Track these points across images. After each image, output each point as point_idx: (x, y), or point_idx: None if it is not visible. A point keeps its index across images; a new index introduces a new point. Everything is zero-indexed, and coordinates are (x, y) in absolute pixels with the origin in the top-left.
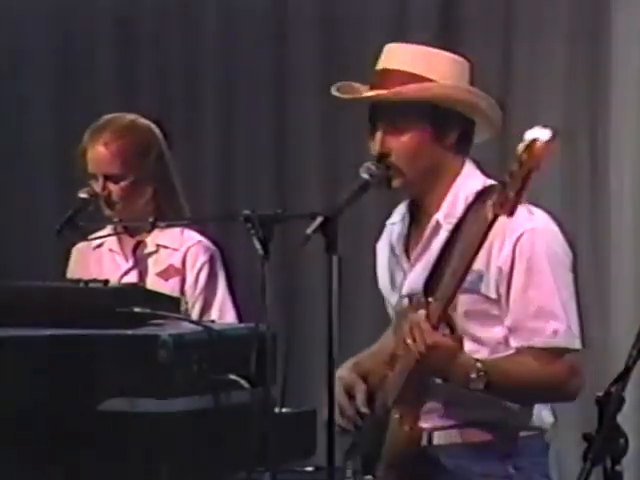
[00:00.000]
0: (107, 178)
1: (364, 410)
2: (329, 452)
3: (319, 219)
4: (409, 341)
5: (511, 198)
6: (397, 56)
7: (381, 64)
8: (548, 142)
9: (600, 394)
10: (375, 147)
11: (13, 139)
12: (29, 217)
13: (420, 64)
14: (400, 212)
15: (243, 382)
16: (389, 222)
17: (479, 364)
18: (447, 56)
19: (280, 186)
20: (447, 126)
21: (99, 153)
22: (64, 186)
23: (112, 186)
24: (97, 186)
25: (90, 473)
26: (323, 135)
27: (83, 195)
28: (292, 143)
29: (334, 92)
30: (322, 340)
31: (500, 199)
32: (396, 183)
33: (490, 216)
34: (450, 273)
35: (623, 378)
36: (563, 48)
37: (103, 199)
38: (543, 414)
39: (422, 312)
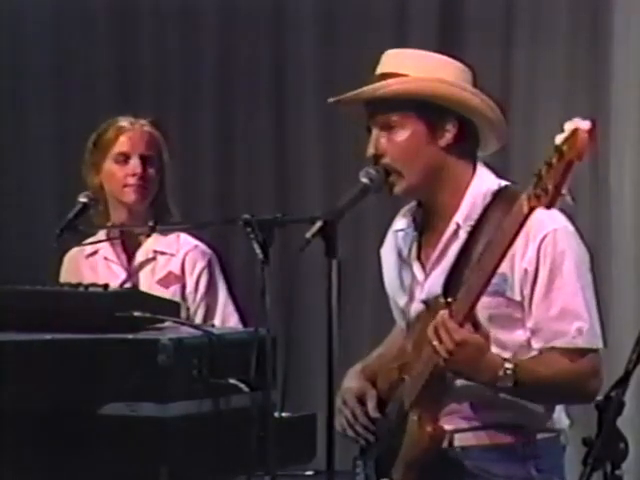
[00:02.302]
0: (143, 159)
1: (375, 415)
2: (329, 456)
3: (319, 223)
4: (435, 342)
5: (550, 190)
6: (393, 60)
7: (378, 69)
8: (590, 131)
9: (600, 398)
10: (369, 149)
11: (12, 140)
12: (28, 220)
13: (413, 66)
14: (405, 218)
15: (243, 386)
16: (394, 229)
17: (507, 363)
18: (441, 58)
19: (280, 190)
20: (440, 123)
21: (139, 133)
22: (64, 188)
23: (149, 169)
24: (130, 167)
25: (90, 477)
26: (323, 138)
27: (83, 199)
28: (292, 146)
29: (330, 100)
30: (322, 344)
31: (536, 191)
32: (399, 189)
33: (526, 209)
34: (478, 269)
35: (623, 382)
36: (563, 48)
37: (140, 179)
38: (561, 416)
39: (445, 312)
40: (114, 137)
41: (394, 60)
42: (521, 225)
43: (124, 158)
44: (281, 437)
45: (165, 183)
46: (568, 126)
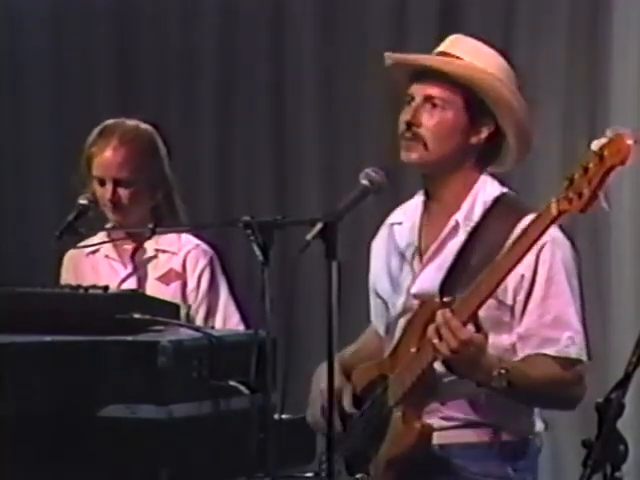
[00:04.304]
0: (116, 183)
1: (351, 410)
2: (328, 458)
3: (319, 225)
4: (435, 341)
5: (586, 194)
6: (458, 44)
7: (441, 48)
8: (633, 137)
9: (600, 400)
10: (406, 115)
11: (11, 140)
12: (28, 221)
13: (477, 57)
14: (402, 211)
15: (243, 388)
16: (390, 222)
17: (502, 363)
18: (503, 62)
19: (279, 190)
20: (480, 121)
21: (109, 158)
22: (63, 190)
23: (122, 191)
24: (105, 191)
25: (90, 479)
26: (322, 139)
27: (83, 201)
28: (291, 147)
29: (386, 55)
30: (322, 346)
31: (568, 195)
32: (415, 156)
33: (554, 212)
34: (492, 268)
35: (623, 385)
36: (563, 48)
37: (111, 204)
38: (536, 419)
39: (446, 310)
40: (91, 159)
41: (459, 44)
42: (547, 227)
43: (100, 182)
44: (281, 439)
45: (165, 185)
46: (609, 133)
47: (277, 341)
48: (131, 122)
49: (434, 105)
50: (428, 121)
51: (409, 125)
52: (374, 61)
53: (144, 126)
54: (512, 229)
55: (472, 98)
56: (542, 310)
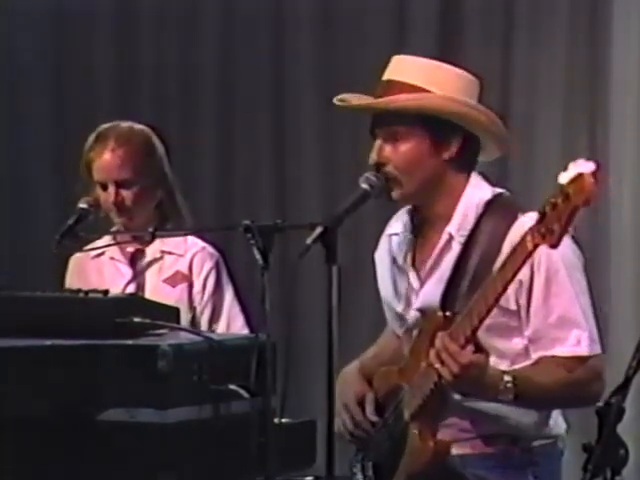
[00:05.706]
0: (118, 185)
1: (374, 419)
2: (328, 462)
3: (319, 229)
4: (437, 366)
5: (557, 232)
6: (402, 68)
7: (386, 75)
8: (596, 175)
9: (600, 404)
10: (372, 156)
11: (11, 141)
12: (28, 224)
13: (422, 76)
14: (400, 222)
15: (243, 392)
16: (388, 232)
17: (506, 376)
18: (452, 70)
19: (279, 196)
20: (445, 138)
21: (108, 160)
22: (63, 191)
23: (124, 192)
24: (108, 195)
25: None
26: (322, 141)
27: (83, 205)
28: (291, 149)
29: (335, 101)
30: (322, 350)
31: (540, 229)
32: (395, 195)
33: (530, 246)
34: (481, 295)
35: (623, 389)
36: (563, 49)
37: (115, 206)
38: (558, 421)
39: (444, 334)
40: (90, 165)
41: (403, 67)
42: (524, 261)
43: (103, 186)
44: (281, 443)
45: (165, 183)
46: (572, 167)
47: (277, 345)
48: (125, 124)
49: (395, 139)
50: (393, 157)
51: (377, 166)
52: (373, 62)
53: (138, 126)
54: (507, 231)
55: (429, 120)
56: (546, 311)
